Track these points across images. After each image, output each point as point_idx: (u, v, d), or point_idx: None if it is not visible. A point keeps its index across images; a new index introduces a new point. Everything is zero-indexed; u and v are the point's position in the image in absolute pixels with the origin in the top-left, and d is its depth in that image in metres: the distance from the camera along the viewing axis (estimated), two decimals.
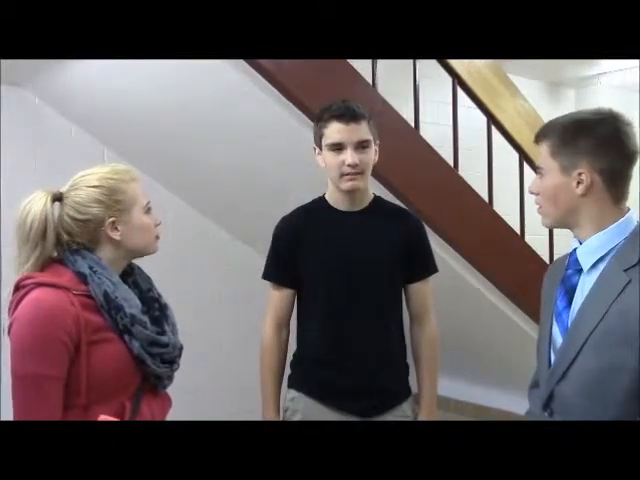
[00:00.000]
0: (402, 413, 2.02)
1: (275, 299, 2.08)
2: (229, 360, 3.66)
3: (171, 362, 1.52)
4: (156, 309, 1.55)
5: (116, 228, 1.48)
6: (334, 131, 1.91)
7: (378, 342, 1.99)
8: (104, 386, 1.40)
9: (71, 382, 1.37)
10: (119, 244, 1.49)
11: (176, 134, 3.00)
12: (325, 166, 1.98)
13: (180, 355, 1.56)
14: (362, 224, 2.01)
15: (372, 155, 1.96)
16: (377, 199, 2.09)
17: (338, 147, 1.91)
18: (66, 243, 1.48)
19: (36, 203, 1.44)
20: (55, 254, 1.48)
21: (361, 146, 1.92)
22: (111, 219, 1.47)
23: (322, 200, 2.06)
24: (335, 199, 2.02)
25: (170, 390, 1.58)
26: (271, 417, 2.04)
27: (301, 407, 2.02)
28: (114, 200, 1.47)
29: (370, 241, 2.00)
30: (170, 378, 1.55)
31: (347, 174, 1.92)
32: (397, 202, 2.88)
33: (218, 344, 3.68)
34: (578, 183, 1.34)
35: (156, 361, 1.47)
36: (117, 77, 2.73)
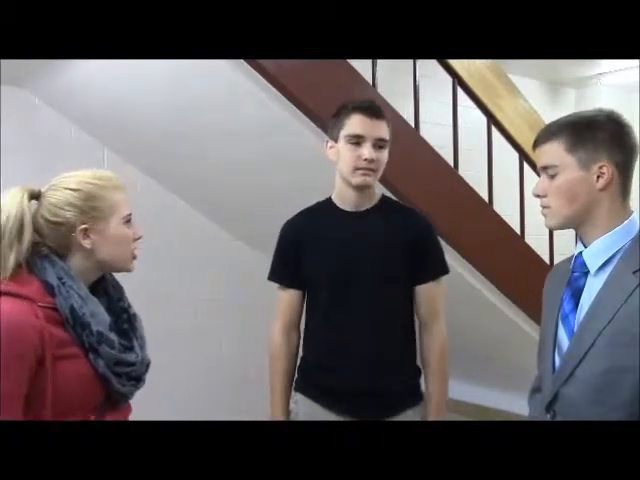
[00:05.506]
0: (408, 419, 1.94)
1: (282, 301, 2.06)
2: (228, 360, 3.66)
3: (137, 379, 1.46)
4: (124, 320, 1.48)
5: (88, 236, 1.41)
6: (356, 123, 1.90)
7: (379, 345, 1.94)
8: (69, 401, 1.35)
9: (36, 396, 1.31)
10: (90, 253, 1.42)
11: (176, 134, 3.00)
12: (337, 159, 1.95)
13: (147, 371, 1.49)
14: (366, 224, 1.97)
15: (387, 156, 1.96)
16: (385, 199, 2.06)
17: (357, 140, 1.90)
18: (36, 245, 1.40)
19: (11, 199, 1.38)
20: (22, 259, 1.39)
21: (379, 144, 1.92)
22: (83, 225, 1.40)
23: (328, 201, 2.04)
24: (342, 199, 2.00)
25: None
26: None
27: (302, 410, 2.01)
28: (90, 206, 1.40)
29: (372, 241, 1.96)
30: (133, 393, 1.48)
31: (361, 168, 1.90)
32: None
33: (217, 344, 3.68)
34: (598, 177, 1.33)
35: (122, 380, 1.41)
36: (117, 77, 2.73)
